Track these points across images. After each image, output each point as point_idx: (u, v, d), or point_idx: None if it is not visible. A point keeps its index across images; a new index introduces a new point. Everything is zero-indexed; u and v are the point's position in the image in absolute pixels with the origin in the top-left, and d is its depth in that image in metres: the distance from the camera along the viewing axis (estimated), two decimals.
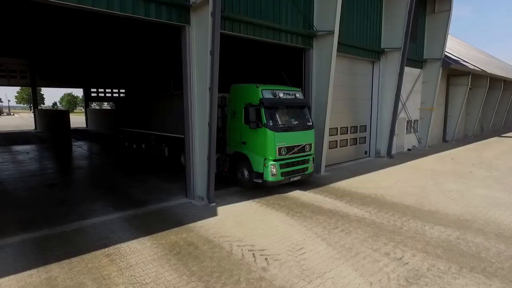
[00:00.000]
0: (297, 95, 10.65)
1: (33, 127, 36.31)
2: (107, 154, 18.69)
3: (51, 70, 34.83)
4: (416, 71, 18.95)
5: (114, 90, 41.00)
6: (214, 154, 8.84)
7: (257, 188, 9.96)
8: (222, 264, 5.70)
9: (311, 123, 10.67)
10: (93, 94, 40.80)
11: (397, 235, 6.95)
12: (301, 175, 10.27)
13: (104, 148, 21.36)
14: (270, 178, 9.38)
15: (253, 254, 6.05)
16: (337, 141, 14.78)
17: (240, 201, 9.13)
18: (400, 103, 17.34)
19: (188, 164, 9.30)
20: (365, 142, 16.59)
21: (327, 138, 12.72)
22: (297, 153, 9.98)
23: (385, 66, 16.00)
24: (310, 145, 10.45)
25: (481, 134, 28.13)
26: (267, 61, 15.74)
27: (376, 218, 7.94)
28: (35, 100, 37.90)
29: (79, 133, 30.23)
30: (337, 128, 14.61)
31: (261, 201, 9.16)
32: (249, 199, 9.30)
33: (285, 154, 9.62)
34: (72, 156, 17.87)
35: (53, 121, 24.84)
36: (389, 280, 5.24)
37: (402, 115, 18.13)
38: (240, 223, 7.57)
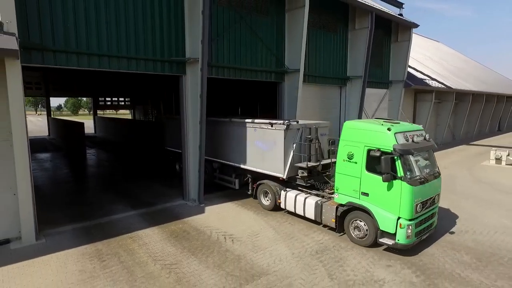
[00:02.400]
0: (427, 136, 9.17)
1: (46, 134, 39.66)
2: (119, 163, 21.96)
3: (63, 81, 38.19)
4: (382, 91, 22.15)
5: (120, 99, 44.66)
6: (203, 168, 12.11)
7: (239, 193, 13.13)
8: (204, 243, 8.98)
9: (438, 169, 9.37)
10: (101, 103, 44.38)
11: (326, 226, 10.17)
12: (429, 231, 8.96)
13: (116, 156, 24.67)
14: (405, 241, 8.03)
15: (225, 237, 9.33)
16: None
17: (223, 203, 12.41)
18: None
19: (184, 174, 12.56)
20: None
21: None
22: (428, 207, 8.69)
23: (350, 90, 19.22)
24: (439, 195, 9.28)
25: (452, 142, 31.24)
26: (247, 91, 19.03)
27: None
28: (48, 109, 41.33)
29: (90, 140, 33.50)
30: None
31: (238, 203, 12.43)
32: (229, 201, 12.57)
33: (420, 211, 8.31)
34: (90, 165, 21.19)
35: (68, 130, 28.13)
36: (305, 251, 8.50)
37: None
38: (219, 218, 10.85)
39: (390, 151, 8.07)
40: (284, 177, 10.94)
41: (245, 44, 13.72)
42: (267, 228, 10.08)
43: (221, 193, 13.56)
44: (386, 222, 8.26)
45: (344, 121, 19.49)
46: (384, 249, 8.61)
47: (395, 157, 8.03)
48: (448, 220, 10.73)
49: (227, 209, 11.82)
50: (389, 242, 8.26)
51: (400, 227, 8.02)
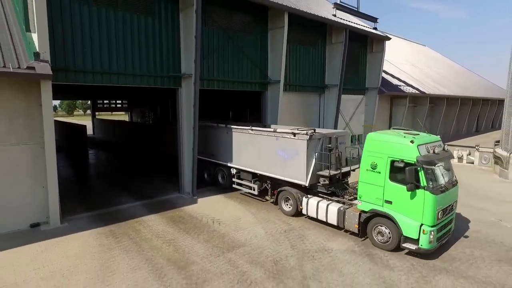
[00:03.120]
0: (445, 147, 9.76)
1: None
2: (120, 162, 24.08)
3: (64, 85, 40.04)
4: (359, 97, 24.51)
5: (118, 101, 46.67)
6: (196, 165, 14.31)
7: (227, 187, 15.34)
8: (196, 225, 11.22)
9: (455, 177, 9.96)
10: (99, 105, 46.37)
11: (297, 215, 12.40)
12: (448, 236, 9.62)
13: (116, 156, 26.77)
14: (427, 246, 8.65)
15: (213, 221, 11.58)
16: None
17: (213, 195, 14.65)
18: (344, 122, 23.06)
19: (180, 171, 14.75)
20: None
21: None
22: (448, 213, 9.32)
23: (328, 97, 21.54)
24: (456, 201, 9.88)
25: None
26: (238, 98, 21.30)
27: None
28: None
29: (89, 141, 35.31)
30: None
31: (226, 195, 14.69)
32: (218, 194, 14.81)
33: (441, 217, 8.91)
34: (93, 164, 23.29)
35: (71, 132, 30.16)
36: (276, 231, 10.78)
37: (346, 131, 23.65)
38: (209, 207, 13.09)
39: (413, 162, 8.63)
40: (307, 185, 11.50)
41: (233, 59, 15.97)
42: (248, 214, 12.34)
43: (212, 188, 15.79)
44: (409, 229, 8.81)
45: (323, 125, 22.01)
46: (406, 253, 9.17)
47: (418, 168, 8.57)
48: None
49: (216, 200, 14.06)
50: (412, 247, 8.82)
51: (423, 233, 8.61)
